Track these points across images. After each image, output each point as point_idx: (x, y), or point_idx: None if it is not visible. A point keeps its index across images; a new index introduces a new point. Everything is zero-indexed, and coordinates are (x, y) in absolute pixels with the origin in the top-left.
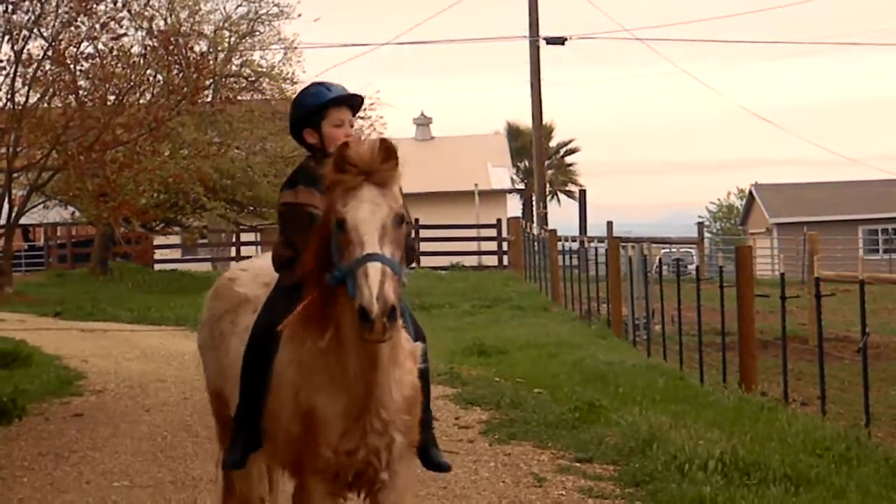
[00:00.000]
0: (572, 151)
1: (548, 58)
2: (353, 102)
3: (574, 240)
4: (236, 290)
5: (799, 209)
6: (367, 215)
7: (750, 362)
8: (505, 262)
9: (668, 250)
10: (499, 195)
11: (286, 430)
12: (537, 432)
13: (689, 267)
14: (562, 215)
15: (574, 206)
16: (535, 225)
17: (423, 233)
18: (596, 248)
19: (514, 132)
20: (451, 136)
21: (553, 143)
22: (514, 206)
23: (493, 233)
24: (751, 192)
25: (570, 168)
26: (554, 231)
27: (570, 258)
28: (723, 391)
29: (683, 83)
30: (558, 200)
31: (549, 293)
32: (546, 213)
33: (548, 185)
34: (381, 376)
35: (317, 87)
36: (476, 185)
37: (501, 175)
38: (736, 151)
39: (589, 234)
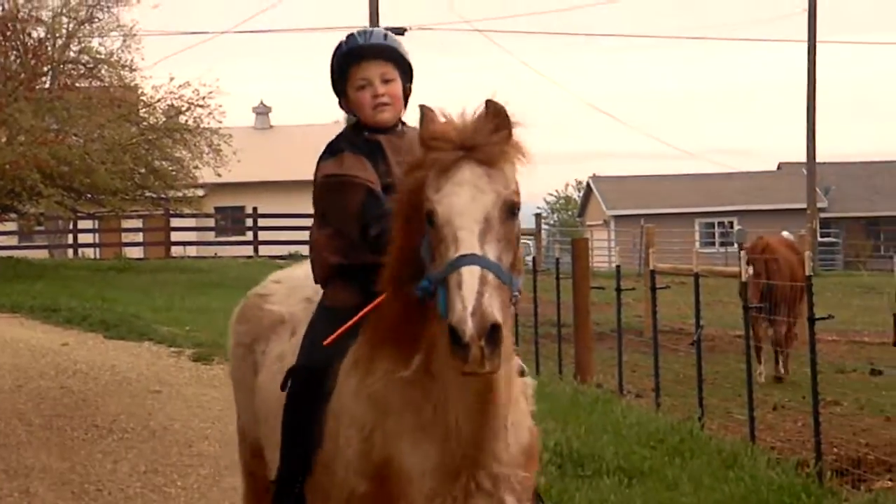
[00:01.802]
0: None
1: None
2: (384, 53)
3: None
4: (268, 308)
5: (636, 202)
6: (464, 204)
7: (585, 354)
8: None
9: None
10: None
11: (350, 489)
12: None
13: (526, 258)
14: None
15: None
16: None
17: (262, 222)
18: None
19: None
20: (290, 125)
21: None
22: None
23: None
24: (588, 185)
25: None
26: None
27: None
28: (558, 383)
29: (523, 74)
30: None
31: None
32: None
33: None
34: (494, 419)
35: (341, 42)
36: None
37: None
38: (576, 143)
39: None
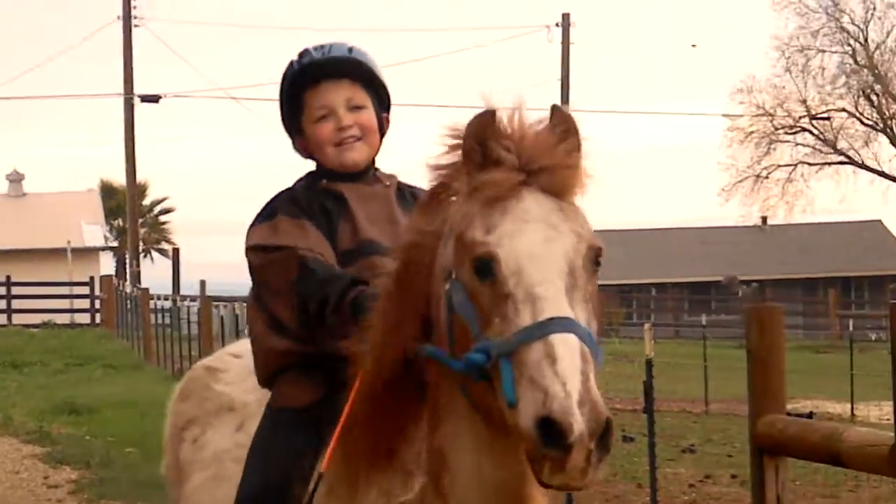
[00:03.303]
0: (167, 210)
1: (143, 115)
2: (350, 71)
3: (167, 298)
4: (217, 388)
5: None
6: (538, 247)
7: None
8: (98, 320)
9: None
10: (92, 253)
11: None
12: (128, 492)
13: None
14: (156, 274)
15: (168, 264)
16: (128, 283)
17: (16, 290)
18: (189, 307)
19: (108, 190)
20: (43, 192)
21: (147, 202)
22: (107, 264)
23: (86, 290)
24: None
25: (164, 226)
26: (146, 289)
27: (163, 317)
28: None
29: (276, 141)
30: (152, 259)
31: (142, 352)
32: (139, 272)
33: (141, 244)
34: None
35: (292, 61)
36: (69, 242)
37: (95, 233)
38: None
39: (183, 292)
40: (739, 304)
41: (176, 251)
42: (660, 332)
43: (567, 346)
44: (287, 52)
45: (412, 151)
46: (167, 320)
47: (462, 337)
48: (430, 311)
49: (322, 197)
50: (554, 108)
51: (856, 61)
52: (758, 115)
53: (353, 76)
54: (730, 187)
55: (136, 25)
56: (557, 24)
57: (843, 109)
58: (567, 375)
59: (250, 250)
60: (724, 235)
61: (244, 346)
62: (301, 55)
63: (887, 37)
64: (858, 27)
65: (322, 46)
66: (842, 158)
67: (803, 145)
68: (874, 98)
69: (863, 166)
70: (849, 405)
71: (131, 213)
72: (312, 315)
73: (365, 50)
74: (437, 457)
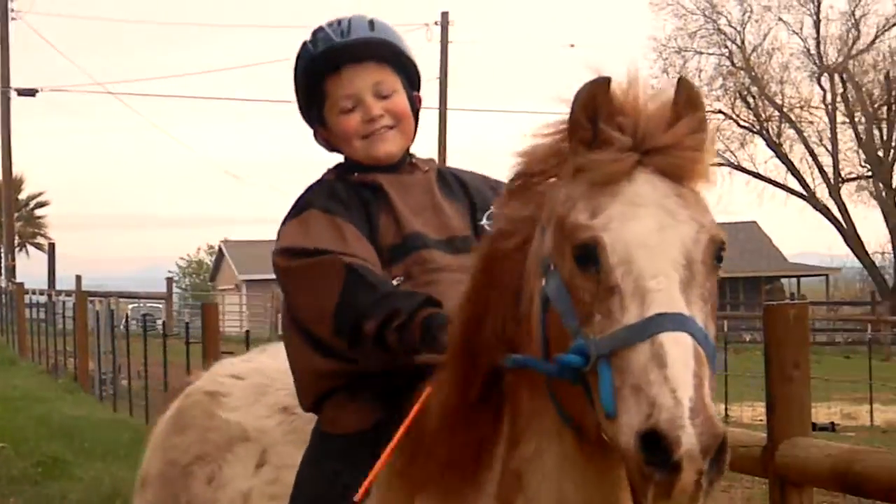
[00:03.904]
0: (43, 204)
1: (19, 109)
2: (376, 52)
3: (42, 293)
4: (223, 415)
5: (267, 266)
6: (650, 235)
7: None
8: None
9: (136, 305)
10: None
11: None
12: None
13: (157, 322)
14: (32, 269)
15: (44, 259)
16: (2, 277)
17: None
18: (64, 302)
19: None
20: None
21: (23, 196)
22: None
23: None
24: (220, 249)
25: (40, 220)
26: (21, 284)
27: (38, 311)
28: None
29: (156, 138)
30: (27, 253)
31: (16, 347)
32: (14, 266)
33: (16, 238)
34: None
35: (306, 43)
36: None
37: None
38: (209, 207)
39: (59, 287)
40: None
41: (52, 246)
42: None
43: (679, 347)
44: (165, 48)
45: (281, 149)
46: (42, 315)
47: (558, 337)
48: (520, 311)
49: (358, 189)
50: (680, 81)
51: (732, 63)
52: None
53: (378, 57)
54: None
55: (13, 19)
56: (436, 23)
57: (720, 111)
58: (678, 381)
59: (279, 254)
60: None
61: (243, 365)
62: (315, 36)
63: (764, 39)
64: (735, 29)
65: (339, 23)
66: (718, 160)
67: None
68: (750, 100)
69: (739, 168)
70: (723, 406)
71: (6, 207)
72: (367, 335)
73: (387, 22)
74: (513, 481)
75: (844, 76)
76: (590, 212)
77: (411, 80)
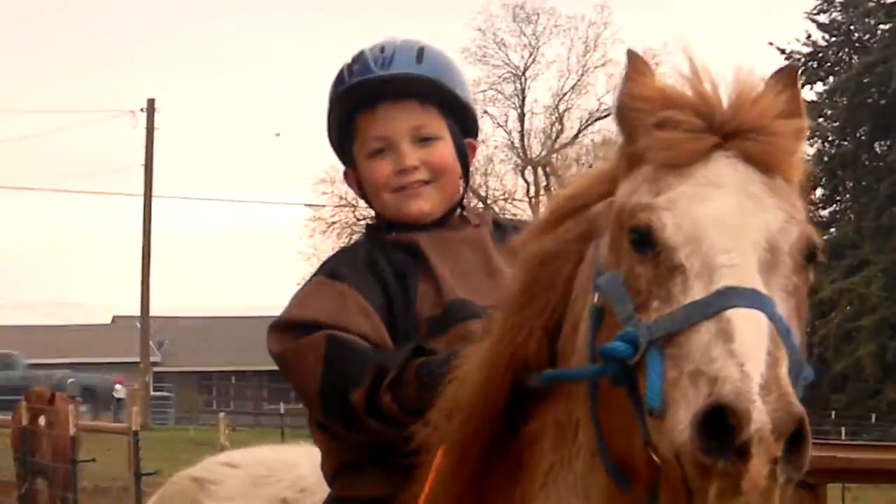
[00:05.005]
0: None
1: None
2: (419, 89)
3: None
4: None
5: None
6: (731, 215)
7: None
8: None
9: None
10: None
11: None
12: None
13: None
14: None
15: None
16: None
17: None
18: None
19: None
20: None
21: None
22: None
23: None
24: None
25: None
26: None
27: None
28: None
29: None
30: None
31: None
32: None
33: None
34: None
35: (343, 70)
36: None
37: None
38: None
39: None
40: None
41: None
42: (239, 420)
43: (750, 321)
44: None
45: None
46: None
47: (608, 337)
48: (560, 345)
49: (392, 252)
50: (786, 70)
51: None
52: (340, 206)
53: (421, 95)
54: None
55: None
56: (142, 110)
57: None
58: (746, 355)
59: (271, 329)
60: None
61: (238, 454)
62: (354, 62)
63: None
64: None
65: (381, 50)
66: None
67: None
68: None
69: None
70: None
71: None
72: (357, 406)
73: (440, 51)
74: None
75: (548, 169)
76: (654, 193)
77: (463, 124)
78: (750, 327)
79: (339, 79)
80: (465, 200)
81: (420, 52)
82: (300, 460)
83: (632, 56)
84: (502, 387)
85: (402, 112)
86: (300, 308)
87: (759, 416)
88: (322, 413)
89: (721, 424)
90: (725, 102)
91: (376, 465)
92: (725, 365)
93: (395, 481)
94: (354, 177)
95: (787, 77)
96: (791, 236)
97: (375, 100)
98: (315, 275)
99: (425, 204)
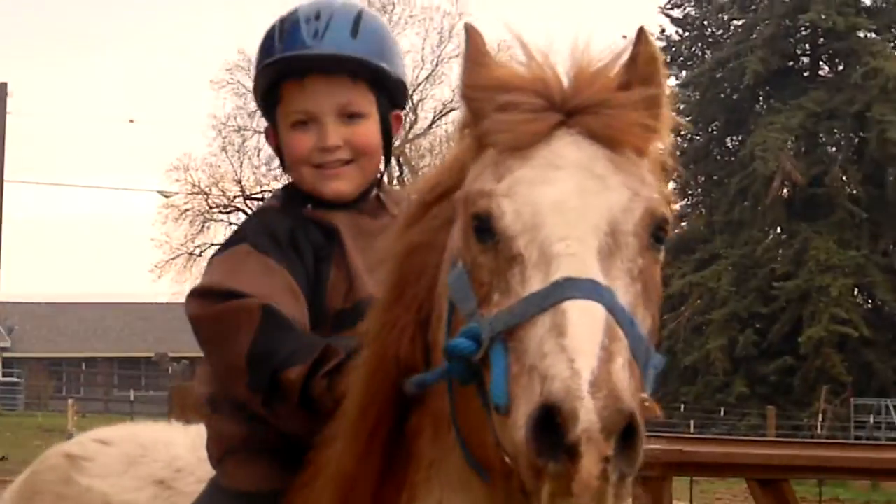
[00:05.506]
0: None
1: None
2: (349, 65)
3: None
4: (83, 482)
5: None
6: (571, 198)
7: None
8: None
9: None
10: None
11: None
12: None
13: None
14: None
15: None
16: None
17: None
18: None
19: None
20: None
21: None
22: None
23: None
24: None
25: None
26: None
27: None
28: None
29: None
30: None
31: None
32: None
33: None
34: None
35: (272, 30)
36: None
37: None
38: None
39: None
40: (169, 380)
41: None
42: (89, 406)
43: (584, 314)
44: None
45: None
46: None
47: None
48: (429, 333)
49: (307, 228)
50: (641, 34)
51: None
52: (193, 193)
53: (352, 71)
54: (163, 264)
55: None
56: None
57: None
58: (577, 350)
59: (193, 295)
60: (157, 312)
61: (114, 431)
62: (285, 24)
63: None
64: None
65: (318, 17)
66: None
67: (237, 224)
68: None
69: None
70: None
71: None
72: (289, 385)
73: (376, 20)
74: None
75: (402, 160)
76: (496, 178)
77: (393, 97)
78: (584, 321)
79: (269, 45)
80: (384, 177)
81: (356, 23)
82: (175, 439)
83: (470, 33)
84: (382, 388)
85: (330, 87)
86: (229, 277)
87: (587, 416)
88: (245, 381)
89: (551, 420)
90: (565, 81)
91: (266, 456)
92: (556, 361)
93: (283, 475)
94: (274, 140)
95: (637, 38)
96: (635, 215)
97: (304, 72)
98: (236, 241)
99: (343, 185)
